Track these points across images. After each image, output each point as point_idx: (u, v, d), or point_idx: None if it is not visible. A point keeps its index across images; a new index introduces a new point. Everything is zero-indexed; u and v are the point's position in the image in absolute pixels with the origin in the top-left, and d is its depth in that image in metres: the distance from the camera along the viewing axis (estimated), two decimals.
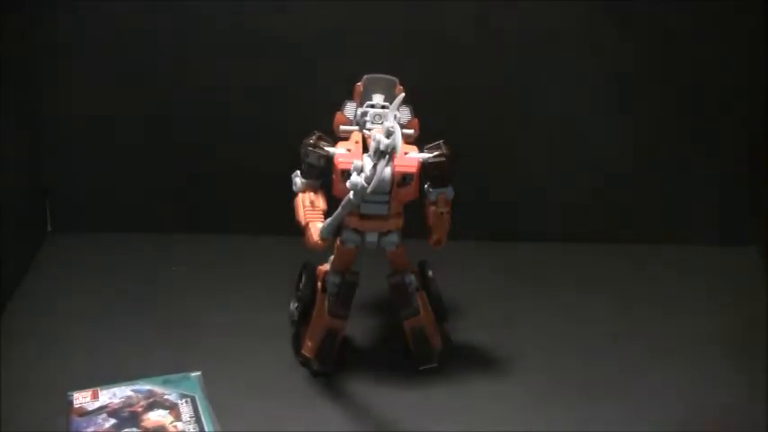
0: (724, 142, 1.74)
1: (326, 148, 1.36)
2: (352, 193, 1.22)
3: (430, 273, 1.50)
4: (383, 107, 1.37)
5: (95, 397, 1.32)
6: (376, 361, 1.47)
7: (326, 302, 1.40)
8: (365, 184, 1.20)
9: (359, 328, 1.53)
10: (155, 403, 1.32)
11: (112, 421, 1.28)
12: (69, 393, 1.33)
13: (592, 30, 1.66)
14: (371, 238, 1.37)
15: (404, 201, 1.34)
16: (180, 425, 1.28)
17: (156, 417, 1.29)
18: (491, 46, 1.67)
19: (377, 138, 1.20)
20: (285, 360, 1.46)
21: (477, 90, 1.70)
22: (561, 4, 1.64)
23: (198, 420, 1.29)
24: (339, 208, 1.26)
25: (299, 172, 1.39)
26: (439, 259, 1.53)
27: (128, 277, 1.65)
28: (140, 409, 1.30)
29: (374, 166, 1.20)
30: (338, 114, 1.39)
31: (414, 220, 1.40)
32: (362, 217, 1.35)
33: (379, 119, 1.36)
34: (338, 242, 1.39)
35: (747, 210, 1.80)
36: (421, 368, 1.44)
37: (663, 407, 1.38)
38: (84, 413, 1.29)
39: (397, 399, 1.38)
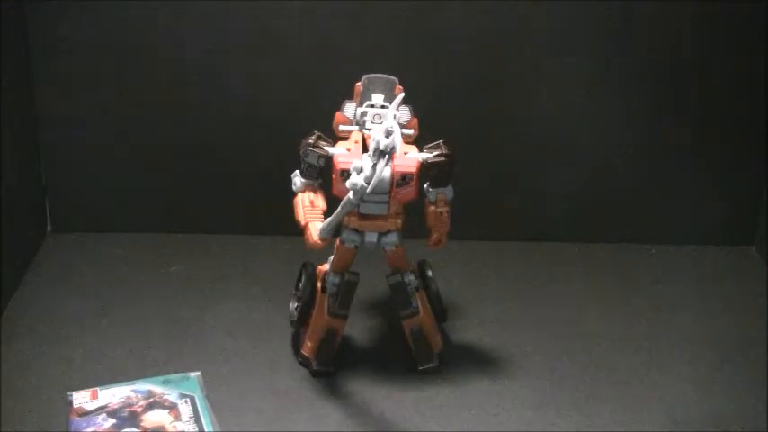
0: (724, 142, 1.74)
1: (326, 148, 1.35)
2: (351, 192, 1.22)
3: (430, 273, 1.50)
4: (383, 107, 1.37)
5: (95, 397, 1.32)
6: (376, 361, 1.47)
7: (326, 302, 1.40)
8: (365, 184, 1.20)
9: (359, 328, 1.53)
10: (154, 403, 1.32)
11: (112, 421, 1.28)
12: (69, 393, 1.33)
13: (592, 30, 1.66)
14: (371, 238, 1.37)
15: (403, 201, 1.34)
16: (179, 425, 1.28)
17: (156, 417, 1.29)
18: (491, 46, 1.66)
19: (376, 138, 1.20)
20: (285, 360, 1.46)
21: (478, 90, 1.70)
22: (561, 4, 1.63)
23: (197, 420, 1.29)
24: (339, 208, 1.26)
25: (298, 172, 1.39)
26: (439, 259, 1.54)
27: (127, 277, 1.65)
28: (140, 409, 1.30)
29: (374, 166, 1.20)
30: (338, 114, 1.39)
31: (414, 220, 1.40)
32: (362, 217, 1.35)
33: (379, 119, 1.36)
34: (338, 242, 1.39)
35: (747, 210, 1.80)
36: (421, 368, 1.44)
37: (663, 407, 1.38)
38: (83, 413, 1.29)
39: (397, 399, 1.38)
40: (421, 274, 1.48)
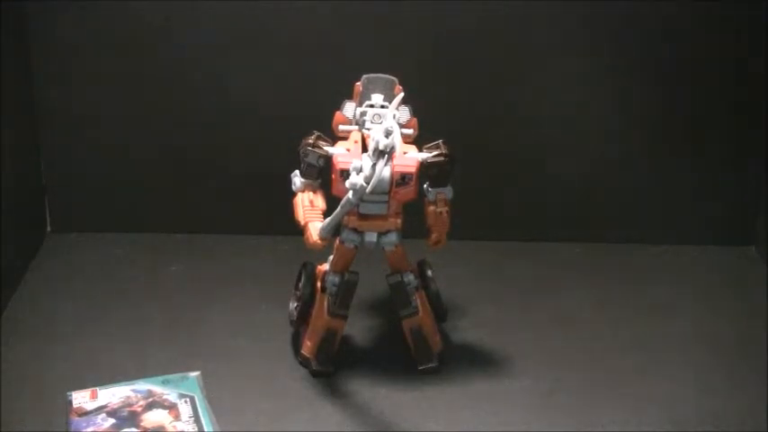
0: (724, 142, 1.74)
1: (325, 148, 1.35)
2: (351, 192, 1.22)
3: (429, 272, 1.50)
4: (382, 107, 1.37)
5: (95, 397, 1.32)
6: (376, 361, 1.47)
7: (326, 302, 1.40)
8: (364, 184, 1.20)
9: (359, 328, 1.53)
10: (154, 403, 1.32)
11: (112, 421, 1.28)
12: (69, 393, 1.33)
13: (592, 30, 1.66)
14: (371, 237, 1.37)
15: (403, 200, 1.34)
16: (179, 425, 1.28)
17: (156, 417, 1.29)
18: (491, 46, 1.66)
19: (376, 137, 1.20)
20: (285, 360, 1.46)
21: (478, 90, 1.70)
22: (561, 4, 1.63)
23: (197, 420, 1.29)
24: (338, 207, 1.26)
25: (298, 172, 1.39)
26: (439, 259, 1.53)
27: (127, 277, 1.65)
28: (139, 409, 1.30)
29: (373, 166, 1.20)
30: (337, 114, 1.39)
31: (414, 220, 1.40)
32: (362, 217, 1.35)
33: (379, 118, 1.36)
34: (338, 242, 1.39)
35: (747, 210, 1.80)
36: (421, 368, 1.44)
37: (663, 407, 1.38)
38: (83, 413, 1.29)
39: (397, 399, 1.38)
40: (421, 274, 1.48)
